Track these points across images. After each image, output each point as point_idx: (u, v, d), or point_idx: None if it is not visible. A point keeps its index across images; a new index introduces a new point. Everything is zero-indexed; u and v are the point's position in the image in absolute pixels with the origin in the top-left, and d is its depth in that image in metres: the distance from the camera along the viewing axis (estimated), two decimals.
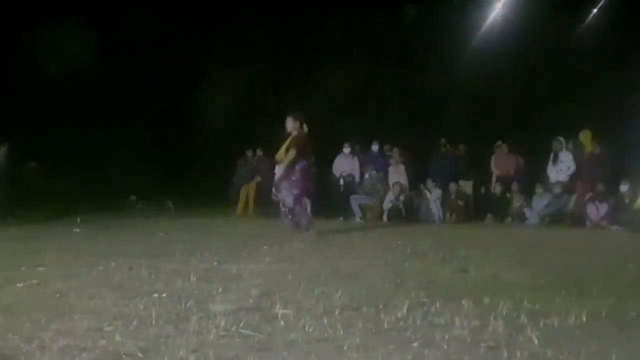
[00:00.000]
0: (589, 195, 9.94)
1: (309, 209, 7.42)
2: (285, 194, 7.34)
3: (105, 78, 16.61)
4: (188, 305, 3.17)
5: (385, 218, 10.84)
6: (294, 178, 7.31)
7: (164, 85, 18.66)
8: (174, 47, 18.71)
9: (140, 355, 2.32)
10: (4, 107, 14.07)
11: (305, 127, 7.48)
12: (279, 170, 7.58)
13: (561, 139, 10.78)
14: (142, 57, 18.30)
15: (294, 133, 7.40)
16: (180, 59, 18.75)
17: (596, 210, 9.64)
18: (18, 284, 3.84)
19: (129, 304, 3.22)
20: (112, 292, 3.60)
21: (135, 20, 16.33)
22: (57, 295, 3.52)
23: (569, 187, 10.47)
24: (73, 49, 14.40)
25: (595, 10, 14.55)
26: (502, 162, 11.54)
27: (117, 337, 2.56)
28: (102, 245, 6.27)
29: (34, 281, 3.92)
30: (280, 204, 7.54)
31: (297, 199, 7.31)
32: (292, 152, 7.27)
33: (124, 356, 2.31)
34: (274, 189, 7.70)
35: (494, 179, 11.49)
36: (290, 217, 7.44)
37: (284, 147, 7.47)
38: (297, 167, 7.34)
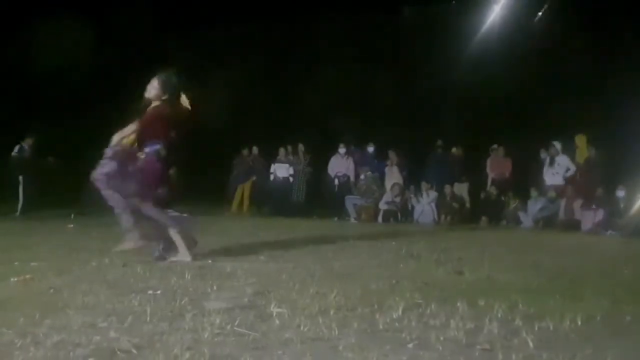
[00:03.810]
0: (581, 201, 9.98)
1: (165, 217, 4.96)
2: (111, 194, 4.96)
3: (103, 76, 16.54)
4: (183, 302, 3.16)
5: (380, 219, 10.85)
6: (130, 169, 4.98)
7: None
8: (168, 45, 18.65)
9: (134, 351, 2.31)
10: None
11: (185, 101, 5.25)
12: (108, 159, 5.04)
13: (556, 143, 10.82)
14: (137, 53, 18.25)
15: (154, 104, 5.13)
16: (175, 56, 18.70)
17: (593, 216, 9.68)
18: (12, 279, 3.82)
19: (124, 301, 3.21)
20: (106, 288, 3.58)
21: (132, 16, 16.29)
22: (51, 290, 3.50)
23: (562, 192, 10.51)
24: (69, 43, 14.35)
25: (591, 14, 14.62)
26: (497, 165, 11.58)
27: (112, 333, 2.54)
28: (96, 241, 6.23)
29: (27, 276, 3.90)
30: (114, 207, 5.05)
31: (138, 200, 4.90)
32: (132, 126, 5.07)
33: (118, 352, 2.29)
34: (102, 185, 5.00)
35: (489, 181, 11.53)
36: (127, 224, 4.99)
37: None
38: (143, 154, 5.01)
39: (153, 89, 5.13)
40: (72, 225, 8.15)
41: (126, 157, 5.02)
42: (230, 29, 17.69)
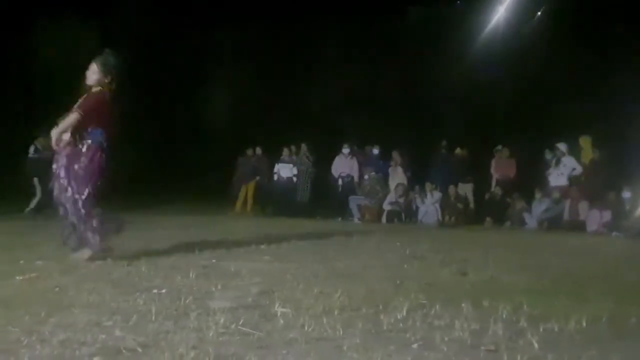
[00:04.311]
0: (586, 202, 9.95)
1: (97, 219, 4.70)
2: (59, 192, 4.67)
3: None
4: (187, 301, 3.17)
5: (384, 219, 10.85)
6: (76, 166, 4.63)
7: (166, 84, 18.67)
8: (175, 46, 18.71)
9: (140, 350, 2.32)
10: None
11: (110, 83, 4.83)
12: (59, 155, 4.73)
13: (561, 145, 10.76)
14: (144, 54, 18.29)
15: (94, 89, 4.78)
16: (181, 57, 18.77)
17: (599, 217, 9.65)
18: (17, 277, 3.84)
19: (128, 299, 3.22)
20: (111, 287, 3.59)
21: (139, 18, 16.34)
22: (56, 289, 3.51)
23: (567, 193, 10.48)
24: (78, 43, 14.40)
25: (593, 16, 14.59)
26: (501, 166, 11.56)
27: (117, 332, 2.55)
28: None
29: (32, 275, 3.91)
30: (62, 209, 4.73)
31: (83, 201, 4.63)
32: (73, 117, 4.60)
33: (124, 351, 2.30)
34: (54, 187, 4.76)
35: (493, 182, 11.51)
36: (70, 228, 4.75)
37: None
38: (84, 145, 4.65)
39: (93, 74, 4.81)
40: None
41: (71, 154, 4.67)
42: (234, 29, 17.72)
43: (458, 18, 16.06)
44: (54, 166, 4.73)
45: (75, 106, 4.67)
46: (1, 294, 3.36)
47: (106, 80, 4.80)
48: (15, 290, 3.51)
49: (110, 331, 2.57)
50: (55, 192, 4.70)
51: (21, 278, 3.83)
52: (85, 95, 4.77)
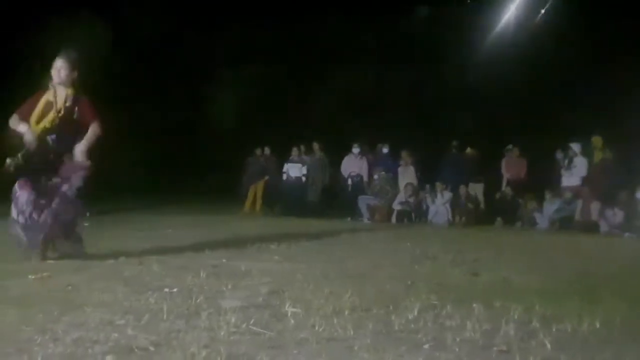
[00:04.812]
0: (598, 202, 9.87)
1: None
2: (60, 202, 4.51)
3: (118, 75, 16.70)
4: (198, 301, 3.18)
5: (393, 219, 10.82)
6: (77, 175, 4.55)
7: (175, 83, 18.75)
8: (184, 45, 18.78)
9: (152, 349, 2.33)
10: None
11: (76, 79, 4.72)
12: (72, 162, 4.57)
13: (574, 145, 10.67)
14: (154, 55, 18.40)
15: (68, 92, 4.61)
16: (190, 57, 18.84)
17: (612, 217, 9.56)
18: (29, 276, 3.87)
19: (140, 298, 3.23)
20: (123, 286, 3.61)
21: (148, 18, 16.42)
22: (69, 287, 3.54)
23: (578, 193, 10.41)
24: (85, 43, 14.48)
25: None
26: (512, 166, 11.50)
27: (129, 331, 2.56)
28: (112, 240, 6.29)
29: (45, 273, 3.94)
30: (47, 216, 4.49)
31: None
32: (98, 128, 4.61)
33: (136, 350, 2.31)
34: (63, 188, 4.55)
35: (504, 182, 11.45)
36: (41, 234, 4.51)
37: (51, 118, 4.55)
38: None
39: (63, 69, 4.60)
40: (87, 224, 8.21)
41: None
42: (244, 29, 17.77)
43: (469, 17, 16.00)
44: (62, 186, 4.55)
45: (92, 114, 4.61)
46: (14, 293, 3.39)
47: (74, 77, 4.65)
48: (28, 288, 3.54)
49: (122, 330, 2.58)
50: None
51: (33, 277, 3.86)
52: (83, 101, 4.63)
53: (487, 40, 15.22)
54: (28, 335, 2.47)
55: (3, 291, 3.45)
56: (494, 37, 15.12)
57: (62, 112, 4.53)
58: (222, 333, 2.56)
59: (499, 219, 10.74)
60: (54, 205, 4.49)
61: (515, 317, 2.97)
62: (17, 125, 4.52)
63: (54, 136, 4.55)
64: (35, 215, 4.47)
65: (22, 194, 4.48)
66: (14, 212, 4.51)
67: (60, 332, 2.51)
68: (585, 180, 10.44)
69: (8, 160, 4.43)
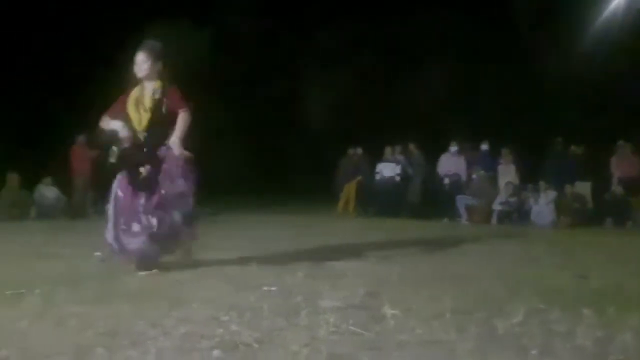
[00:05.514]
0: None
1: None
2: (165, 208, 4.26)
3: (214, 78, 17.36)
4: (297, 300, 3.23)
5: (494, 220, 10.43)
6: (178, 167, 4.25)
7: (267, 84, 19.23)
8: (277, 47, 19.22)
9: (256, 346, 2.39)
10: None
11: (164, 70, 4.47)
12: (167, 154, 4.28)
13: None
14: (248, 57, 19.00)
15: (155, 85, 4.36)
16: (283, 57, 19.26)
17: None
18: (140, 273, 4.12)
19: (242, 296, 3.34)
20: (225, 283, 3.75)
21: (244, 22, 17.01)
22: (176, 284, 3.73)
23: None
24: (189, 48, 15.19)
25: None
26: (624, 163, 10.70)
27: (233, 327, 2.66)
28: (212, 238, 6.52)
29: (153, 270, 4.17)
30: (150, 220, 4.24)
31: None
32: (188, 117, 4.31)
33: (240, 346, 2.39)
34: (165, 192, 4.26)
35: (614, 180, 10.68)
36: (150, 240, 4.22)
37: (146, 110, 4.34)
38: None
39: (144, 63, 4.34)
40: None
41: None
42: (336, 28, 17.88)
43: (572, 5, 15.11)
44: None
45: (180, 103, 4.32)
46: (128, 288, 3.63)
47: (159, 68, 4.38)
48: (140, 285, 3.77)
49: (227, 326, 2.68)
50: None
51: (144, 273, 4.10)
52: (171, 91, 4.36)
53: (594, 28, 14.28)
54: (141, 329, 2.63)
55: (120, 286, 3.71)
56: (600, 24, 14.16)
57: (152, 107, 4.32)
58: (321, 332, 2.58)
59: (609, 219, 10.04)
60: (157, 208, 4.23)
61: (632, 325, 2.75)
62: (109, 124, 4.42)
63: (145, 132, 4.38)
64: (138, 222, 4.25)
65: (122, 197, 4.32)
66: (111, 216, 4.33)
67: (170, 327, 2.66)
68: None
69: (113, 148, 4.37)
